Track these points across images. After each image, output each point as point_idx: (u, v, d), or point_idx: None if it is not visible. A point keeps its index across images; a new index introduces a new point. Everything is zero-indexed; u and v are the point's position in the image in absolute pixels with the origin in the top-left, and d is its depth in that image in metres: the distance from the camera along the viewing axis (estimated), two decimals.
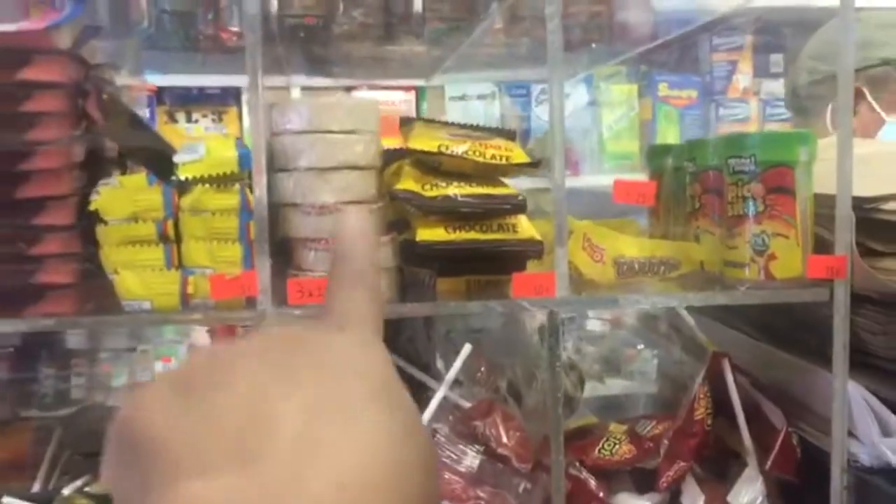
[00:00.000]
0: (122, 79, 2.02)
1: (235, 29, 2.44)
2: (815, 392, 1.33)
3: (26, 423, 1.61)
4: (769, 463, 1.29)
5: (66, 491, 1.23)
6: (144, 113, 3.02)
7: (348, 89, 3.06)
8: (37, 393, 2.31)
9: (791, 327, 1.43)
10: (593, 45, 2.25)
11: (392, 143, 1.37)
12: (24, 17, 1.15)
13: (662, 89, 3.27)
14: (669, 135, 3.18)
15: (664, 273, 1.36)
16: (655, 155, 1.60)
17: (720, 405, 1.37)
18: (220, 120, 3.16)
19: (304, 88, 3.05)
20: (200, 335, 3.25)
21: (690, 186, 1.46)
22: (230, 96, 3.11)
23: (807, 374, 1.35)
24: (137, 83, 2.48)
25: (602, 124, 3.28)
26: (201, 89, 3.08)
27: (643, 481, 1.39)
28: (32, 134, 1.14)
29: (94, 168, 1.22)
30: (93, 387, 2.54)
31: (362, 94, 3.04)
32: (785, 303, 1.31)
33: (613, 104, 3.36)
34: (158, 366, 2.94)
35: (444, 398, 1.32)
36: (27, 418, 1.73)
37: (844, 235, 1.25)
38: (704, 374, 1.33)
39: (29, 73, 1.13)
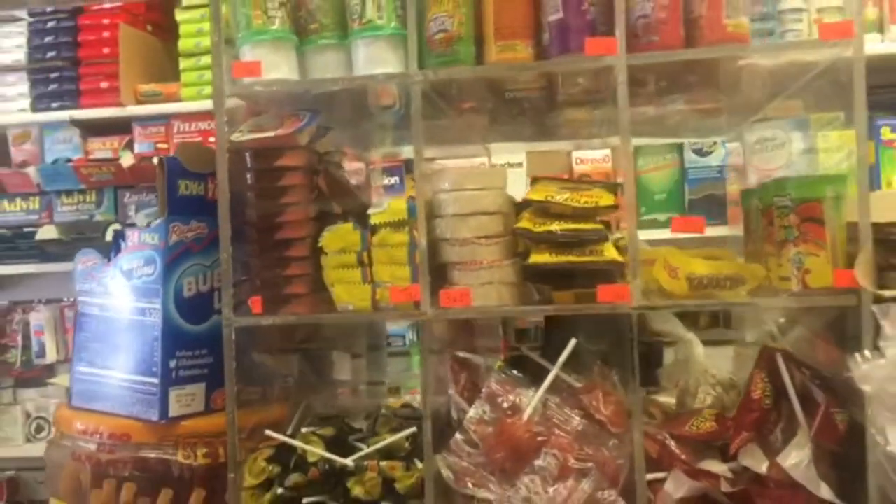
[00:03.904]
0: (371, 155, 2.67)
1: (468, 105, 3.03)
2: None
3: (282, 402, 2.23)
4: (813, 431, 1.64)
5: (303, 430, 1.87)
6: (396, 180, 3.70)
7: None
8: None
9: (842, 329, 1.75)
10: None
11: None
12: (280, 126, 1.83)
13: (885, 133, 3.38)
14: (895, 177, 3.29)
15: (731, 287, 1.75)
16: (745, 197, 1.99)
17: (782, 391, 1.73)
18: None
19: (529, 153, 3.63)
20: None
21: (762, 219, 1.85)
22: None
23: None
24: (387, 156, 3.16)
25: (820, 170, 3.47)
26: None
27: (727, 453, 1.77)
28: (284, 199, 1.82)
29: (322, 220, 1.87)
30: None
31: (581, 154, 3.56)
32: (840, 308, 1.66)
33: (832, 150, 3.55)
34: (407, 398, 3.56)
35: (561, 380, 1.80)
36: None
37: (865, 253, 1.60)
38: (757, 362, 1.72)
39: (283, 161, 1.82)
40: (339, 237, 1.80)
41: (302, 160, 1.84)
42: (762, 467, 1.69)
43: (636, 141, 3.48)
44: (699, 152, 3.39)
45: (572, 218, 1.74)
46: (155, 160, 3.13)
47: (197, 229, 1.95)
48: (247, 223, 1.83)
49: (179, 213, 1.94)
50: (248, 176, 1.83)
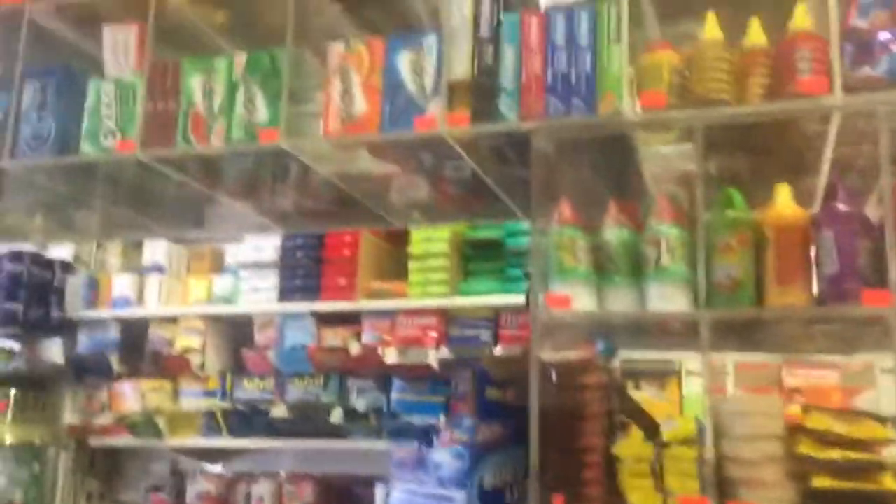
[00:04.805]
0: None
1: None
2: None
3: None
4: None
5: None
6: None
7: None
8: None
9: None
10: None
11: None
12: (580, 348, 2.17)
13: None
14: None
15: None
16: None
17: None
18: (663, 388, 3.94)
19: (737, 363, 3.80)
20: None
21: None
22: (671, 369, 3.91)
23: None
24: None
25: None
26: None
27: None
28: (583, 411, 2.12)
29: (615, 430, 2.15)
30: None
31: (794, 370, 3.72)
32: None
33: None
34: None
35: None
36: None
37: None
38: None
39: (583, 378, 2.14)
40: (632, 448, 2.07)
41: (599, 378, 2.15)
42: None
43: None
44: None
45: (850, 446, 1.95)
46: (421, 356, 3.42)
47: (498, 430, 2.27)
48: (549, 429, 2.13)
49: (485, 416, 2.27)
50: (552, 389, 2.15)
